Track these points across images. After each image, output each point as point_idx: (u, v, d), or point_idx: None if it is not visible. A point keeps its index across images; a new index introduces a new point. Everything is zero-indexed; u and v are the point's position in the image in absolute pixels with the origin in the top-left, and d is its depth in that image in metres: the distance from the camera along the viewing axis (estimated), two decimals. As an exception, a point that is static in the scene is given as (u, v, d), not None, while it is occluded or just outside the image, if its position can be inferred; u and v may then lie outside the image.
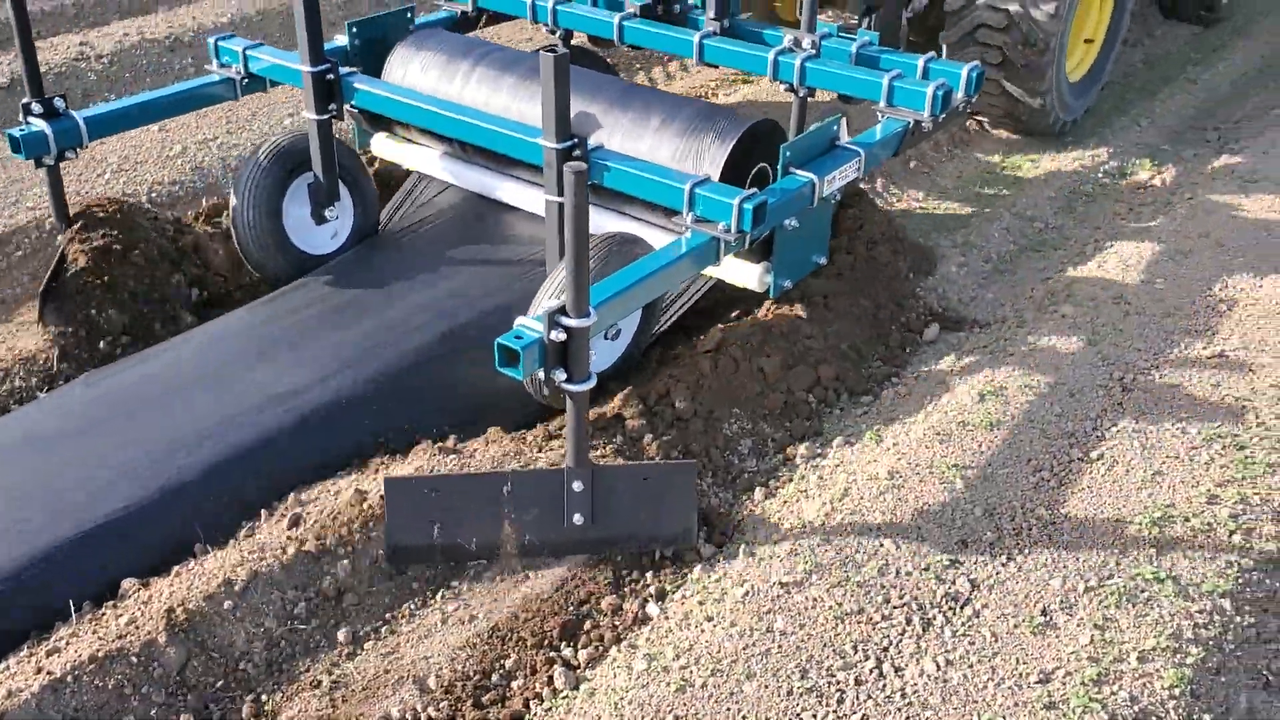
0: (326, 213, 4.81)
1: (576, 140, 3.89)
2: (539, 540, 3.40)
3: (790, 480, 3.75)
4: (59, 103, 4.43)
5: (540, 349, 3.13)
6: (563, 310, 3.10)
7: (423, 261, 4.69)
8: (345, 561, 3.31)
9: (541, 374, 3.17)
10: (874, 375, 4.37)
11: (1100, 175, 6.14)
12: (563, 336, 3.11)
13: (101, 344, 4.42)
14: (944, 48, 6.22)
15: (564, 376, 3.16)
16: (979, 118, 6.65)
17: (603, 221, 4.37)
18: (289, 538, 3.34)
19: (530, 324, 3.16)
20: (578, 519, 3.36)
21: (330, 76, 4.59)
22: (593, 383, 3.21)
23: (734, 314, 4.52)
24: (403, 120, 4.72)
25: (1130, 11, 6.89)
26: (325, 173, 4.71)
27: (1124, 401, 3.90)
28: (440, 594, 3.34)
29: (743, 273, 4.36)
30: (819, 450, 3.88)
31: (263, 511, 3.54)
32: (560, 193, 3.93)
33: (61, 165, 4.48)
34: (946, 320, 4.73)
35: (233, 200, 4.65)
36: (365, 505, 3.41)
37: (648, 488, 3.40)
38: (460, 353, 4.24)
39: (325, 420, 3.86)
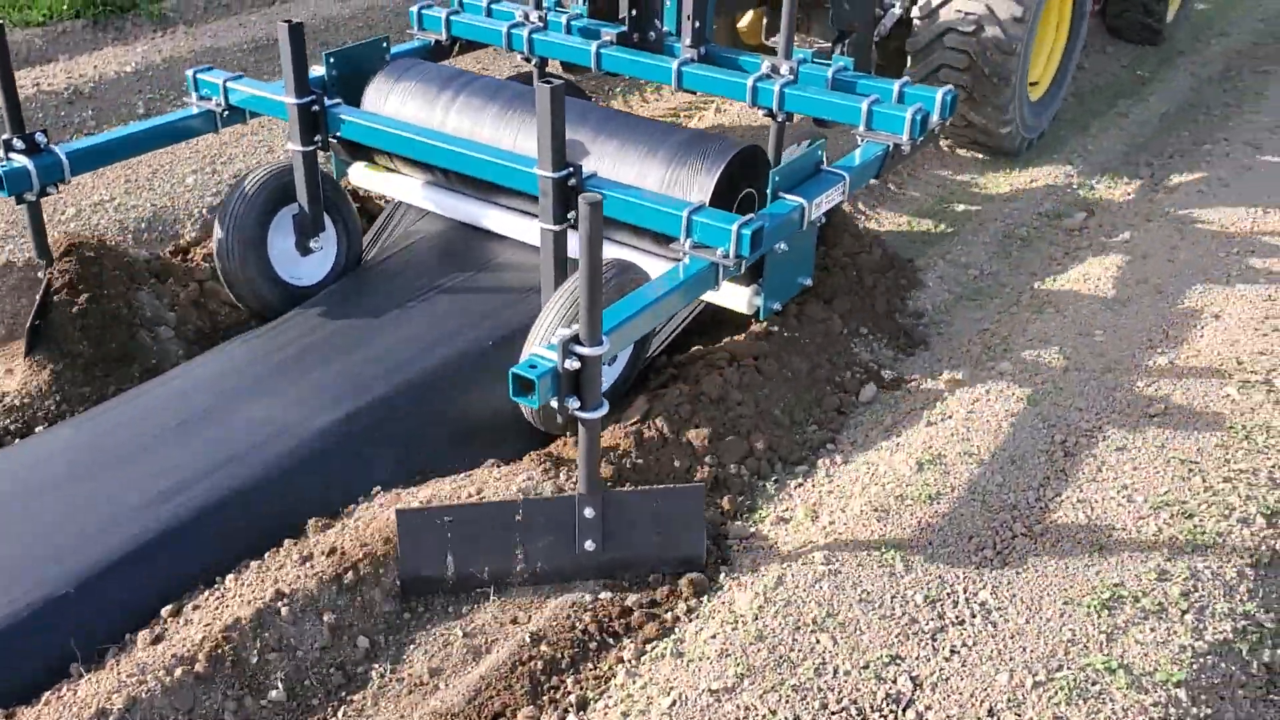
0: (312, 244, 4.80)
1: (572, 169, 3.93)
2: (550, 568, 3.42)
3: (721, 567, 3.54)
4: (40, 138, 4.39)
5: (554, 378, 3.16)
6: (576, 339, 3.14)
7: (414, 292, 4.70)
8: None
9: (555, 402, 3.20)
10: (809, 441, 4.23)
11: (1034, 218, 6.18)
12: (576, 365, 3.15)
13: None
14: (908, 60, 6.36)
15: (577, 404, 3.20)
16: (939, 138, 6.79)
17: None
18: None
19: (544, 353, 3.19)
20: (589, 545, 3.39)
21: (315, 108, 4.59)
22: (605, 409, 3.24)
23: (711, 341, 4.55)
24: (391, 151, 4.72)
25: (1084, 32, 7.10)
26: (310, 203, 4.70)
27: (1067, 468, 3.78)
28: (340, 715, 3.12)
29: (733, 296, 4.42)
30: (751, 530, 3.72)
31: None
32: (556, 221, 3.98)
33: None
34: (883, 380, 4.60)
35: (217, 232, 4.63)
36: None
37: (657, 511, 3.44)
38: (455, 382, 4.25)
39: (327, 455, 3.85)
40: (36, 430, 4.17)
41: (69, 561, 3.35)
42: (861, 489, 3.79)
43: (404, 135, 4.53)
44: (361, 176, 5.31)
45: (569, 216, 3.99)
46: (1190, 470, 3.70)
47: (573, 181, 3.95)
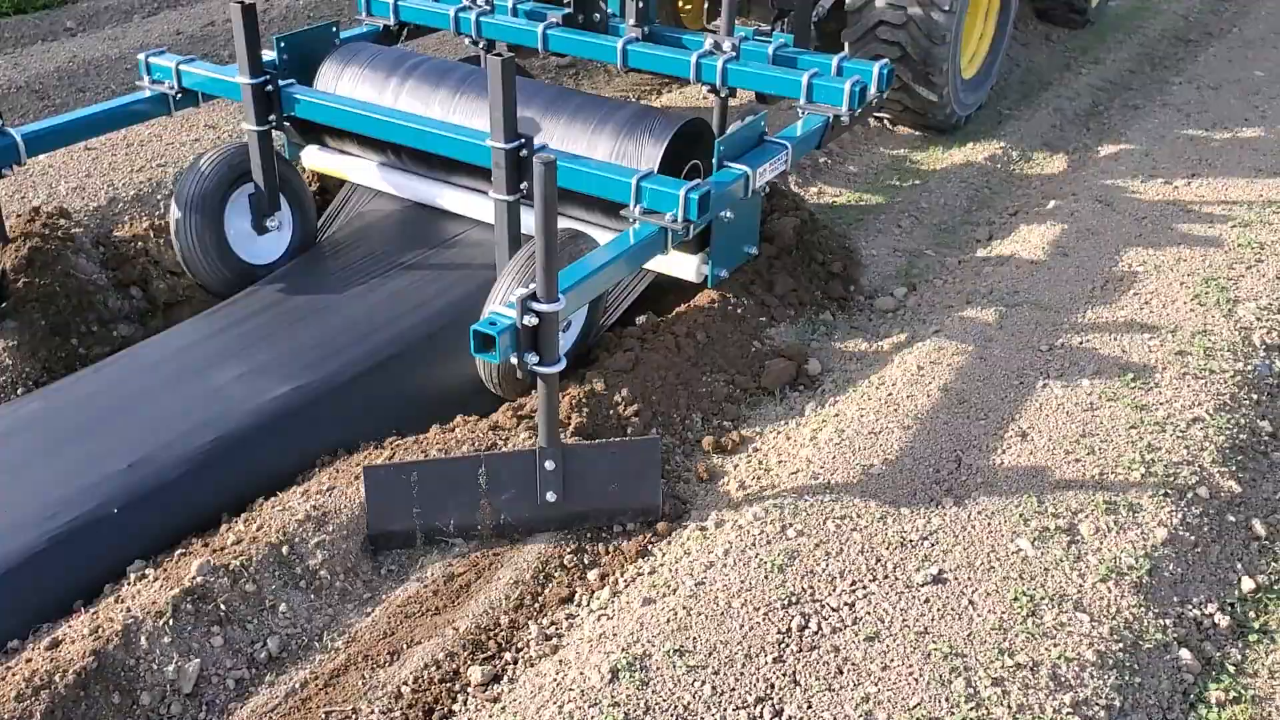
0: (268, 223, 4.88)
1: (524, 140, 4.05)
2: (514, 519, 3.55)
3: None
4: (-5, 120, 4.45)
5: (514, 334, 3.29)
6: (534, 296, 3.27)
7: (369, 269, 4.79)
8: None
9: (514, 358, 3.33)
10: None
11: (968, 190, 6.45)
12: (534, 321, 3.28)
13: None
14: (845, 47, 6.55)
15: (536, 359, 3.33)
16: (878, 115, 6.99)
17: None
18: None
19: (503, 310, 3.33)
20: (550, 496, 3.53)
21: (270, 88, 4.68)
22: (563, 364, 3.38)
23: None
24: (346, 129, 4.82)
25: (1014, 14, 7.34)
26: (266, 183, 4.79)
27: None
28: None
29: (681, 265, 4.57)
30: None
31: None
32: (509, 191, 4.10)
33: (-2, 182, 4.49)
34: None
35: (175, 212, 4.70)
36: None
37: (615, 463, 3.58)
38: (412, 353, 4.36)
39: (291, 422, 3.95)
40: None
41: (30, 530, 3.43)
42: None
43: (358, 113, 4.63)
44: (314, 158, 5.39)
45: (521, 187, 4.12)
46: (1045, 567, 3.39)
47: (524, 153, 4.08)
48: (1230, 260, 5.08)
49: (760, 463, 3.92)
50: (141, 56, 5.00)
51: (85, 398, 4.07)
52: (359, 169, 5.27)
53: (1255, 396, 4.20)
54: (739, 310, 4.63)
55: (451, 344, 4.35)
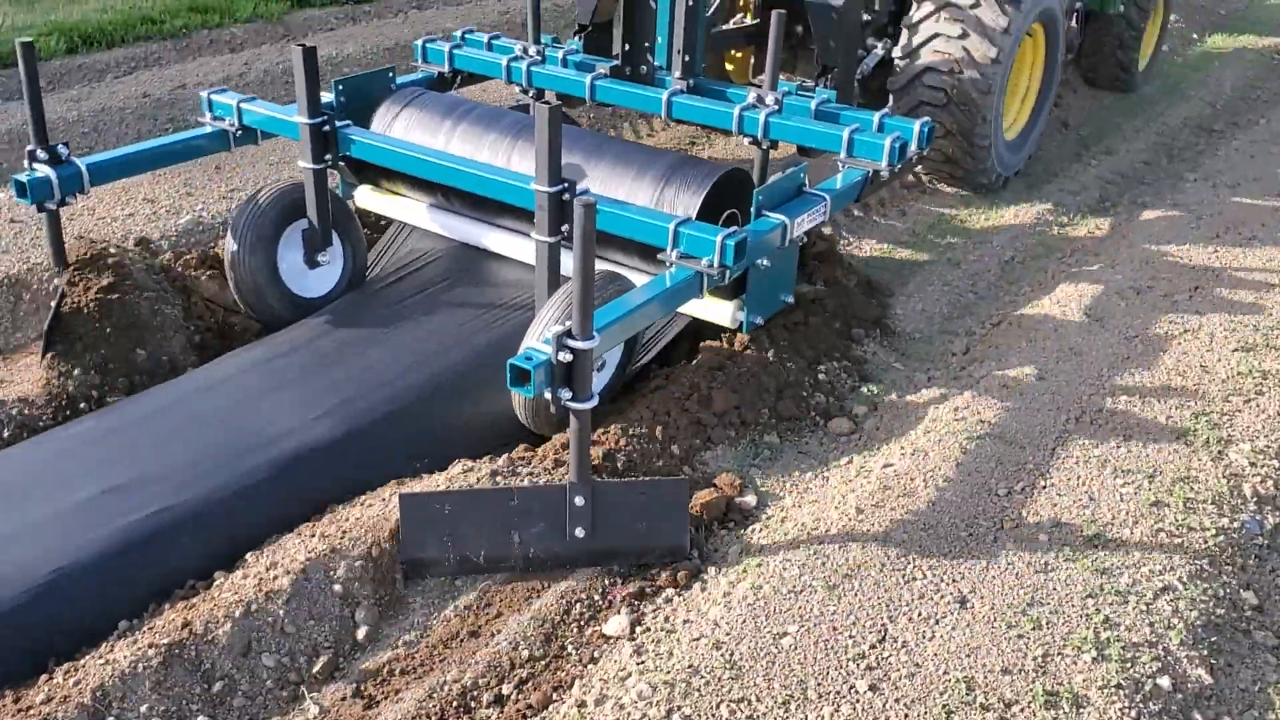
0: (320, 257, 5.03)
1: (567, 184, 4.17)
2: (543, 553, 3.62)
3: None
4: (62, 150, 4.63)
5: (549, 369, 3.38)
6: (569, 333, 3.36)
7: (416, 305, 4.92)
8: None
9: (549, 393, 3.42)
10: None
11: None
12: (569, 357, 3.37)
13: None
14: (890, 103, 6.66)
15: (569, 395, 3.42)
16: (918, 171, 7.07)
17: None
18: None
19: (539, 346, 3.42)
20: (579, 532, 3.60)
21: (327, 129, 4.84)
22: (595, 401, 3.46)
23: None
24: (398, 170, 4.96)
25: (1058, 75, 7.42)
26: (320, 219, 4.94)
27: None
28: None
29: (717, 310, 4.66)
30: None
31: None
32: (551, 234, 4.22)
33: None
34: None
35: (230, 244, 4.86)
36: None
37: (644, 502, 3.64)
38: (451, 390, 4.46)
39: (333, 454, 4.06)
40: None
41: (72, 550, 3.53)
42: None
43: (410, 155, 4.78)
44: (367, 199, 5.55)
45: (563, 229, 4.24)
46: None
47: (567, 196, 4.19)
48: (1227, 391, 4.53)
49: (663, 625, 3.39)
50: (204, 94, 5.20)
51: (134, 423, 4.20)
52: (409, 209, 5.42)
53: (1240, 560, 3.63)
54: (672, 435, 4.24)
55: (491, 380, 4.47)
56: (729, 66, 7.68)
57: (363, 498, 3.89)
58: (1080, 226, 6.75)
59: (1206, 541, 3.62)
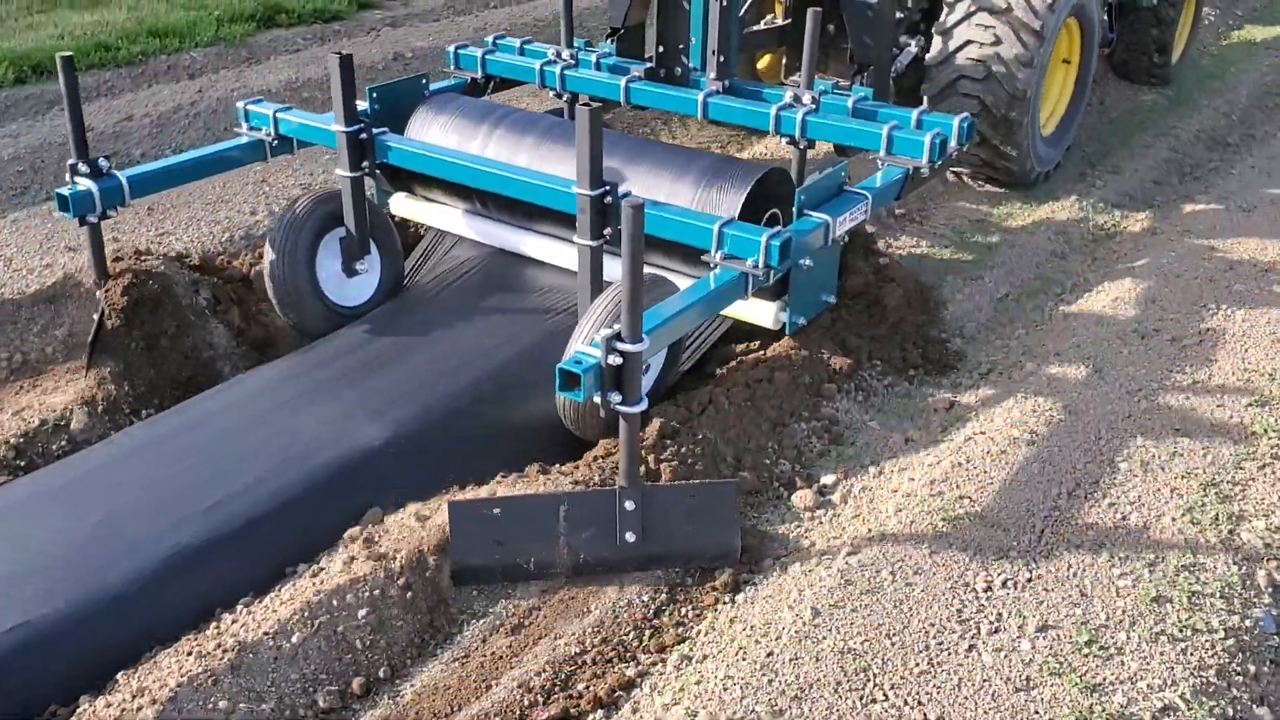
0: (358, 266, 5.02)
1: (608, 187, 4.15)
2: (593, 558, 3.59)
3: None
4: (103, 163, 4.64)
5: (598, 373, 3.35)
6: (618, 336, 3.33)
7: (455, 313, 4.91)
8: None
9: (598, 397, 3.39)
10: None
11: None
12: (618, 361, 3.34)
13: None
14: (924, 101, 6.59)
15: (619, 399, 3.39)
16: (956, 169, 7.01)
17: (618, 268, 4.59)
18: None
19: (588, 350, 3.39)
20: (630, 537, 3.56)
21: (363, 136, 4.84)
22: (644, 405, 3.43)
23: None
24: (435, 176, 4.95)
25: (1094, 68, 7.34)
26: (357, 227, 4.94)
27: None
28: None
29: (760, 311, 4.62)
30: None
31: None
32: (594, 237, 4.19)
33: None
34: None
35: (269, 254, 4.86)
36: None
37: (693, 506, 3.61)
38: (493, 397, 4.44)
39: (368, 467, 4.04)
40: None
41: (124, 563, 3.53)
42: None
43: (448, 161, 4.76)
44: (402, 206, 5.55)
45: (605, 233, 4.21)
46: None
47: (609, 199, 4.17)
48: (1240, 455, 3.99)
49: None
50: (240, 104, 5.20)
51: (175, 432, 4.20)
52: (445, 216, 5.41)
53: (1253, 668, 3.11)
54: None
55: (533, 386, 4.45)
56: (759, 66, 7.64)
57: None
58: (1080, 255, 6.23)
59: (1214, 646, 3.13)
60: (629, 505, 3.53)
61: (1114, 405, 4.35)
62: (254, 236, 5.85)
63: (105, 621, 3.37)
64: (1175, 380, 4.53)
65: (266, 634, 3.25)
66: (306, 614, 3.31)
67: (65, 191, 4.53)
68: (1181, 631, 3.17)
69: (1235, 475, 3.90)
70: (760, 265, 4.02)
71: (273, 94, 7.70)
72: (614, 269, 4.47)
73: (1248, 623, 3.23)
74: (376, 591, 3.40)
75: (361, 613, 3.35)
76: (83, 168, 4.58)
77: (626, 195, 4.27)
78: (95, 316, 4.62)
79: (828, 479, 4.14)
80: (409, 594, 3.44)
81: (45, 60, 8.03)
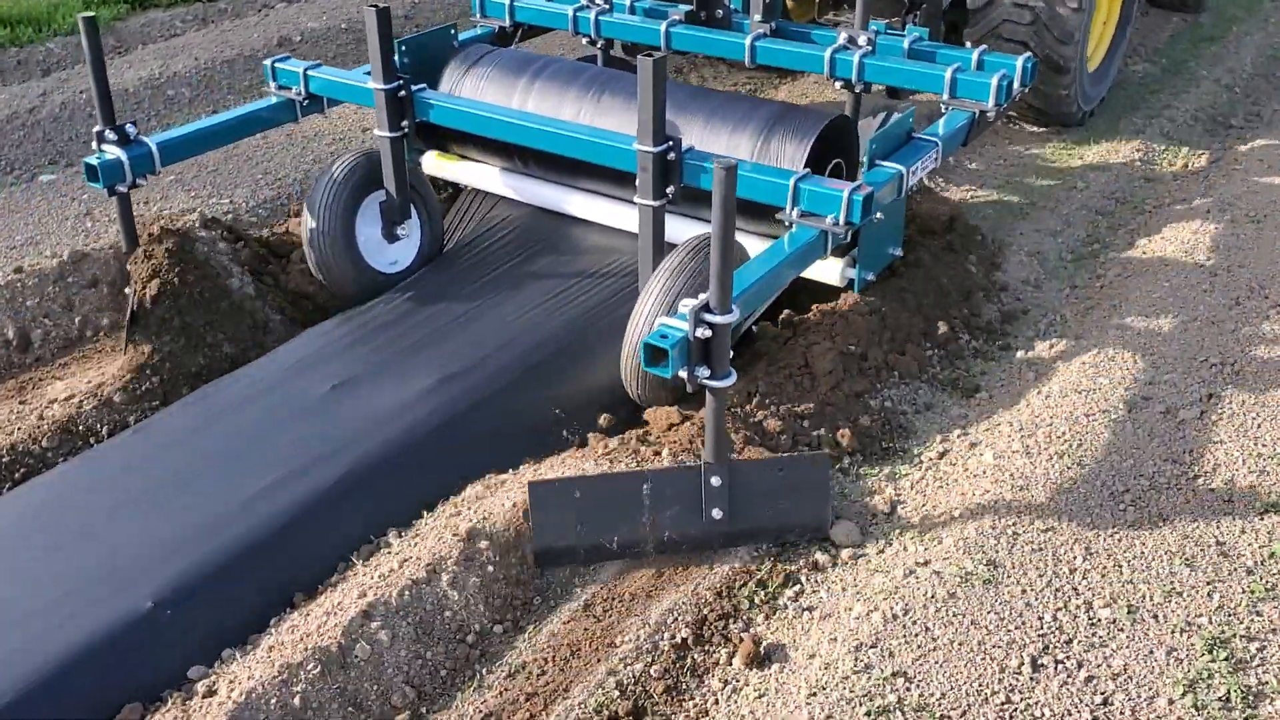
0: (398, 230, 4.81)
1: (672, 143, 3.93)
2: (678, 536, 3.42)
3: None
4: (130, 129, 4.41)
5: (685, 347, 3.17)
6: (707, 307, 3.14)
7: (503, 276, 4.71)
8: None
9: (684, 372, 3.20)
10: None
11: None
12: (708, 333, 3.15)
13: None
14: (966, 43, 6.34)
15: (707, 373, 3.20)
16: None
17: (675, 227, 4.38)
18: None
19: (674, 322, 3.20)
20: (716, 514, 3.40)
21: (403, 94, 4.59)
22: (733, 378, 3.25)
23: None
24: (479, 134, 4.71)
25: (1138, 3, 7.08)
26: (398, 190, 4.71)
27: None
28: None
29: (825, 268, 4.41)
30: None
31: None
32: (655, 196, 3.98)
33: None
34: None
35: (308, 219, 4.64)
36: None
37: (783, 480, 3.44)
38: (546, 366, 4.25)
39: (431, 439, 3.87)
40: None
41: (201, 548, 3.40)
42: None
43: (495, 118, 4.51)
44: (434, 165, 5.31)
45: (667, 192, 4.00)
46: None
47: (672, 156, 3.95)
48: (1253, 595, 3.04)
49: None
50: (268, 62, 4.95)
51: (219, 412, 4.02)
52: (481, 174, 5.18)
53: None
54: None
55: (587, 352, 4.27)
56: (789, 5, 7.35)
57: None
58: (1057, 283, 5.03)
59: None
60: (715, 481, 3.36)
61: (1095, 512, 3.42)
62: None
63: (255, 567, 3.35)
64: (1164, 484, 3.54)
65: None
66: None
67: (93, 161, 4.30)
68: None
69: (1249, 625, 2.94)
70: (842, 222, 3.81)
71: (129, 94, 6.80)
72: (673, 229, 4.28)
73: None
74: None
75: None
76: (110, 134, 4.35)
77: (689, 151, 4.07)
78: (128, 292, 4.41)
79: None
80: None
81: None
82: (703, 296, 3.16)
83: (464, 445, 3.88)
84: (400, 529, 3.56)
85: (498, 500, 3.54)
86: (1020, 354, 4.48)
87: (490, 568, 3.33)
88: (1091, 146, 6.50)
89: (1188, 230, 5.24)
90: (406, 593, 3.19)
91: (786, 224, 3.94)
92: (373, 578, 3.28)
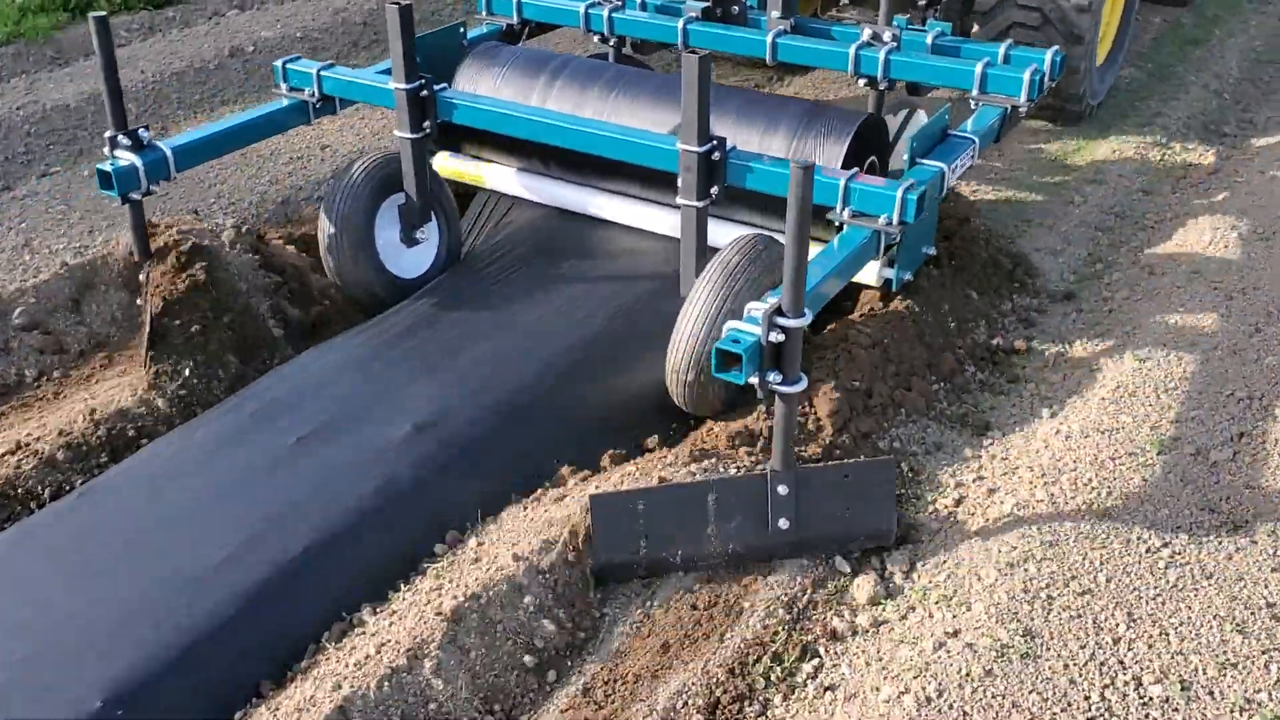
0: (418, 234, 4.66)
1: (716, 142, 3.83)
2: (743, 548, 3.32)
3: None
4: (144, 133, 4.24)
5: (757, 351, 3.07)
6: (779, 311, 3.04)
7: (527, 281, 4.57)
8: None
9: (755, 378, 3.11)
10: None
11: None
12: (780, 338, 3.06)
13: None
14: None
15: (779, 378, 3.11)
16: None
17: (719, 230, 4.28)
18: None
19: (746, 327, 3.10)
20: (783, 523, 3.30)
21: (424, 94, 4.45)
22: (804, 383, 3.15)
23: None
24: (505, 134, 4.56)
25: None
26: (418, 193, 4.57)
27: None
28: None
29: (863, 269, 4.32)
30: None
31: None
32: (699, 197, 3.88)
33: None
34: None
35: (325, 224, 4.48)
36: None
37: (849, 486, 3.35)
38: (579, 374, 4.13)
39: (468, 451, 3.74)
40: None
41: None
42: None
43: (525, 118, 4.36)
44: (448, 165, 5.16)
45: (711, 192, 3.90)
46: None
47: (716, 155, 3.86)
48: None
49: None
50: (278, 63, 4.79)
51: (252, 422, 3.86)
52: (497, 175, 5.05)
53: None
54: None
55: (620, 360, 4.15)
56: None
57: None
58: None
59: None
60: (782, 489, 3.27)
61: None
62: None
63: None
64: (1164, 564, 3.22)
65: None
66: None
67: (106, 167, 4.12)
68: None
69: None
70: (895, 221, 3.73)
71: (70, 110, 6.37)
72: (714, 232, 4.18)
73: None
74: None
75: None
76: (123, 140, 4.18)
77: (733, 150, 3.97)
78: (142, 303, 4.23)
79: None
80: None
81: None
82: (773, 300, 3.07)
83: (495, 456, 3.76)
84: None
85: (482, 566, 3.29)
86: (1030, 387, 4.25)
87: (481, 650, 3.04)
88: (1085, 156, 6.38)
89: (1195, 248, 5.08)
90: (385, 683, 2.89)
91: (836, 225, 3.86)
92: (347, 665, 2.96)
